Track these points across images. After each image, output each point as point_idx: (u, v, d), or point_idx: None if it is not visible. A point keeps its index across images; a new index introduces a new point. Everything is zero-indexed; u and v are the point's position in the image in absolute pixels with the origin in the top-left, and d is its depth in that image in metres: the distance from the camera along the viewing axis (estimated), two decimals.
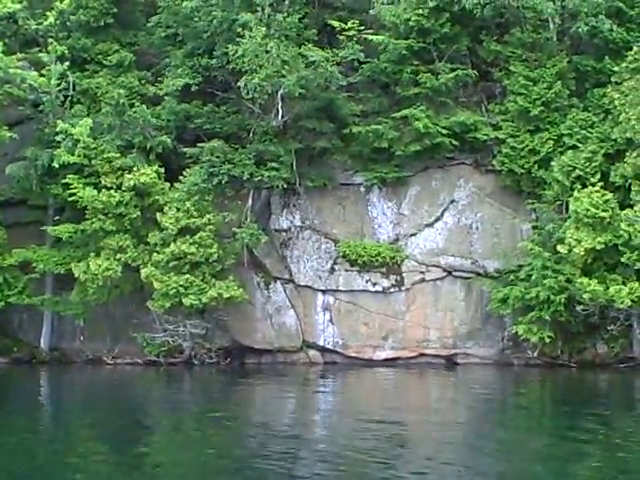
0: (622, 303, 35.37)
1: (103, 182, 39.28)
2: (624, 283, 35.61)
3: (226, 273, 39.15)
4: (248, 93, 38.61)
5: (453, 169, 40.07)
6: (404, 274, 39.73)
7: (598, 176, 36.77)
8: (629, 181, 36.33)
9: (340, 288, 40.00)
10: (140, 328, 39.93)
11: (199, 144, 39.45)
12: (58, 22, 40.24)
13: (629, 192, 36.13)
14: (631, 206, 35.75)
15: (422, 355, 39.77)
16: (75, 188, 38.59)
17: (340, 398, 35.32)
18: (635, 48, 37.58)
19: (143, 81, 40.87)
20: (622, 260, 35.74)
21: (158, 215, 39.15)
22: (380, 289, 39.75)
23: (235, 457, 24.31)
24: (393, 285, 39.77)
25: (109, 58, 40.80)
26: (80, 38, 40.98)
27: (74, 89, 40.10)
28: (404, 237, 40.06)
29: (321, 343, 40.27)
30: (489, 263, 39.37)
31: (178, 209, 39.11)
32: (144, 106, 39.45)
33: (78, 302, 39.46)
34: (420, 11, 39.50)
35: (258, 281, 40.42)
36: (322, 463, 23.32)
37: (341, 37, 39.78)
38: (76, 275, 38.80)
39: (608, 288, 35.60)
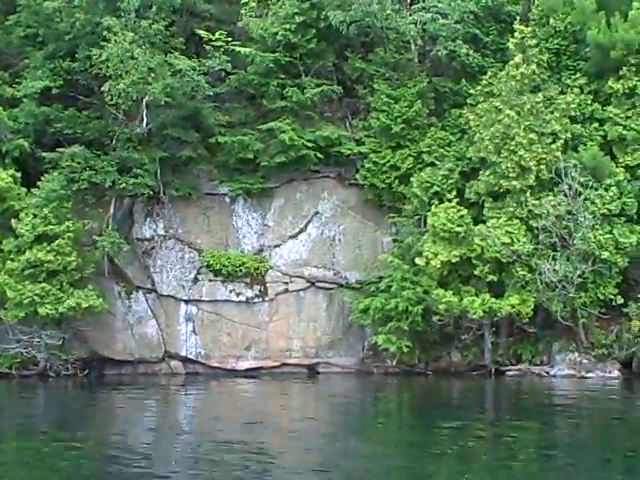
0: (475, 314, 26.15)
1: None
2: (477, 295, 26.49)
3: (85, 282, 27.17)
4: (112, 99, 27.06)
5: (317, 182, 29.04)
6: (268, 284, 28.40)
7: (454, 193, 27.31)
8: (482, 198, 27.19)
9: (203, 298, 28.39)
10: None
11: (59, 149, 27.59)
12: None
13: (482, 208, 27.10)
14: (484, 222, 26.72)
15: (285, 365, 28.49)
16: None
17: (199, 412, 24.48)
18: (489, 72, 28.22)
19: (0, 82, 27.09)
20: (475, 273, 26.61)
21: (13, 221, 26.87)
22: (244, 299, 28.36)
23: None
24: (257, 295, 28.40)
25: None
26: None
27: None
28: (268, 248, 28.80)
29: (183, 353, 28.47)
30: (351, 274, 28.56)
31: (35, 215, 26.88)
32: (0, 108, 27.06)
33: None
34: (287, 26, 28.52)
35: (119, 290, 28.39)
36: None
37: (208, 47, 28.50)
38: None
39: (462, 299, 26.38)
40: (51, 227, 26.45)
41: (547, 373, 26.43)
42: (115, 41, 26.34)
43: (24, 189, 26.86)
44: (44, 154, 27.23)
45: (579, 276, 25.42)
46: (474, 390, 25.73)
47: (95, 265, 27.04)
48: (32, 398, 25.61)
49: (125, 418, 22.54)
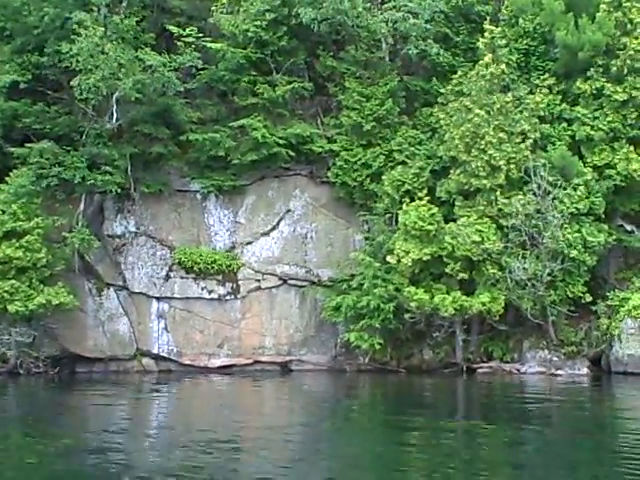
0: (446, 311, 25.72)
1: None
2: (448, 292, 26.05)
3: (55, 279, 26.24)
4: (82, 94, 26.12)
5: (289, 179, 28.39)
6: (240, 282, 27.76)
7: (425, 191, 26.80)
8: (453, 196, 26.79)
9: (175, 295, 27.66)
10: None
11: (27, 144, 26.66)
12: None
13: (453, 207, 26.72)
14: (455, 220, 26.31)
15: (257, 362, 27.85)
16: None
17: (171, 409, 23.78)
18: (459, 72, 27.85)
19: None
20: (446, 271, 26.16)
21: None
22: (216, 297, 27.67)
23: None
24: (229, 293, 27.74)
25: None
26: None
27: None
28: (240, 245, 28.11)
29: (155, 351, 27.74)
30: (323, 272, 28.00)
31: (3, 212, 26.00)
32: None
33: None
34: (258, 22, 27.84)
35: (90, 287, 27.57)
36: None
37: (179, 43, 27.61)
38: None
39: (433, 297, 25.92)
40: (20, 223, 25.52)
41: (518, 370, 26.19)
42: (86, 35, 25.42)
43: None
44: (12, 149, 26.23)
45: (548, 274, 25.22)
46: (445, 388, 25.38)
47: (65, 262, 26.15)
48: (2, 396, 24.73)
49: (97, 416, 21.79)
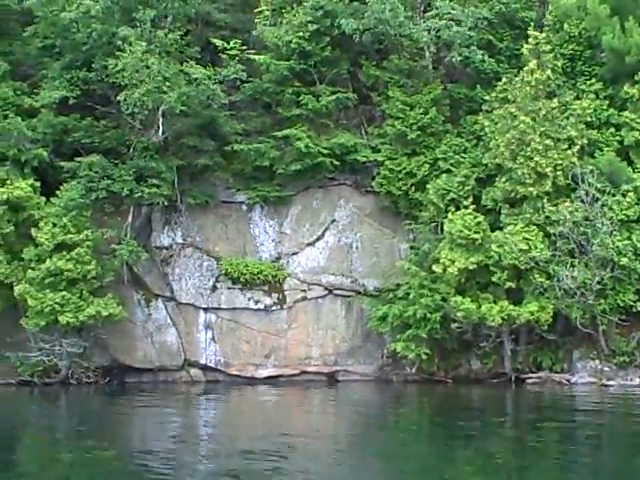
0: (493, 321, 25.23)
1: None
2: (495, 302, 25.51)
3: (105, 290, 26.42)
4: (128, 108, 26.24)
5: (334, 189, 28.16)
6: (286, 292, 27.63)
7: (470, 199, 26.40)
8: (499, 204, 26.31)
9: (222, 306, 27.61)
10: (14, 347, 26.36)
11: (77, 158, 26.87)
12: None
13: (499, 215, 26.20)
14: (501, 228, 25.78)
15: (304, 373, 27.67)
16: None
17: (219, 418, 23.86)
18: (504, 79, 27.20)
19: (19, 92, 27.65)
20: (493, 280, 25.65)
21: (33, 230, 26.12)
22: (262, 307, 27.57)
23: None
24: (275, 303, 27.61)
25: None
26: None
27: None
28: (286, 256, 27.96)
29: (203, 361, 27.71)
30: (369, 282, 27.72)
31: (54, 224, 26.13)
32: (19, 118, 26.45)
33: None
34: (301, 34, 27.72)
35: (139, 298, 27.67)
36: None
37: (223, 56, 27.67)
38: None
39: (480, 306, 25.44)
40: (70, 236, 25.75)
41: (568, 381, 25.57)
42: (130, 51, 25.62)
43: (43, 198, 26.11)
44: (63, 163, 26.51)
45: (598, 283, 24.60)
46: (494, 398, 24.90)
47: (114, 273, 26.29)
48: (54, 406, 24.99)
49: (146, 426, 21.91)
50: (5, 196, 25.50)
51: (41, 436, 20.43)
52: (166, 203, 26.50)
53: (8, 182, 25.72)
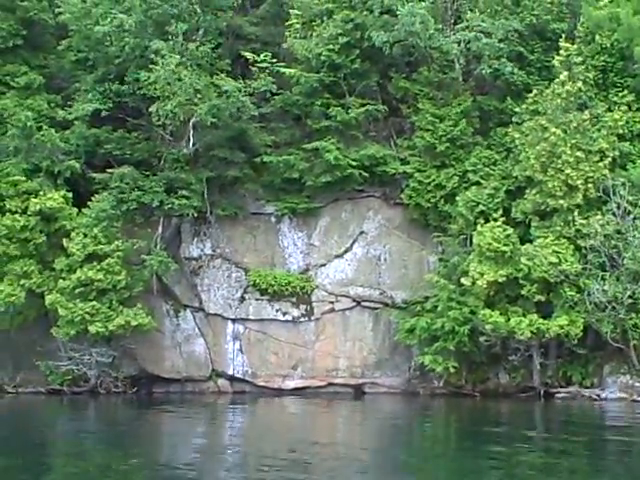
0: (522, 334, 24.94)
1: (7, 206, 26.43)
2: (524, 315, 25.22)
3: (134, 300, 26.59)
4: (159, 120, 26.55)
5: (362, 201, 28.12)
6: (314, 304, 27.57)
7: (500, 212, 26.18)
8: (529, 217, 26.07)
9: (250, 317, 27.63)
10: (44, 356, 26.74)
11: (109, 170, 27.14)
12: None
13: (529, 228, 25.96)
14: (531, 241, 25.57)
15: (331, 384, 27.59)
16: None
17: (247, 431, 23.58)
18: (534, 91, 27.08)
19: (52, 104, 28.06)
20: (522, 293, 25.40)
21: (65, 241, 26.45)
22: (290, 318, 27.55)
23: None
24: (303, 315, 27.59)
25: (17, 80, 27.66)
26: None
27: None
28: (314, 267, 27.93)
29: (230, 372, 27.75)
30: (397, 294, 27.58)
31: (85, 235, 26.43)
32: (52, 130, 26.86)
33: None
34: (331, 46, 27.71)
35: (167, 309, 27.82)
36: None
37: (254, 68, 27.84)
38: None
39: (509, 320, 25.15)
40: (101, 246, 26.01)
41: (598, 396, 25.17)
42: (162, 64, 25.89)
43: (75, 209, 26.45)
44: (94, 175, 26.84)
45: (629, 297, 24.24)
46: (523, 413, 24.53)
47: (144, 284, 26.47)
48: (83, 415, 25.15)
49: (174, 437, 21.91)
50: (38, 207, 25.86)
51: (69, 444, 20.54)
52: (196, 214, 26.66)
53: (41, 193, 26.09)
